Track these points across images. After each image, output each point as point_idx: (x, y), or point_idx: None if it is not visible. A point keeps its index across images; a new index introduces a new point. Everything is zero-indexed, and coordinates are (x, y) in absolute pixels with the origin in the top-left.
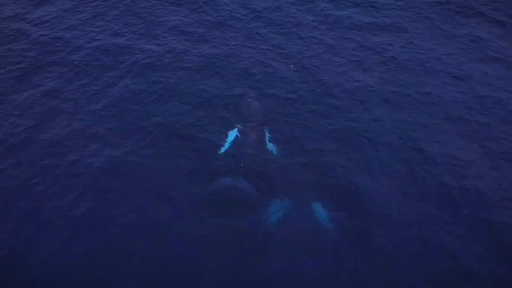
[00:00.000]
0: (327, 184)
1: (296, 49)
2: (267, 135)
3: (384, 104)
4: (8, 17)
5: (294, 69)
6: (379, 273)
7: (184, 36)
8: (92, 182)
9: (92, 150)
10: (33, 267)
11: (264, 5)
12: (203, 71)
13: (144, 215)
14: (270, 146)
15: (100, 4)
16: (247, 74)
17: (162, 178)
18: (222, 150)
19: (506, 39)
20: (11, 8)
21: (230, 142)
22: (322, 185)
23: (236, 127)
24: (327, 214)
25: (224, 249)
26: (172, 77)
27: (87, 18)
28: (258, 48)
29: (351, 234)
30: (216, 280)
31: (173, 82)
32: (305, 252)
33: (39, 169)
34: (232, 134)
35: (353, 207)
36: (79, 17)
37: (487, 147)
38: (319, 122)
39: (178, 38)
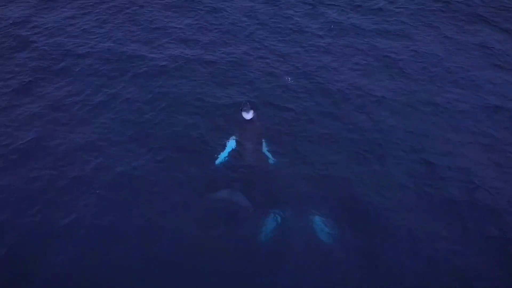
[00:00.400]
0: (329, 199)
1: (298, 58)
2: (265, 146)
3: (390, 115)
4: (6, 26)
5: (292, 81)
6: None
7: (185, 46)
8: (93, 198)
9: (93, 165)
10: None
11: (267, 14)
12: (204, 80)
13: (144, 230)
14: (268, 157)
15: (101, 13)
16: (248, 83)
17: (161, 193)
18: (219, 161)
19: None
20: (9, 16)
21: (227, 153)
22: (323, 200)
23: (233, 138)
24: (329, 231)
25: (220, 264)
26: (173, 88)
27: (88, 27)
28: (259, 57)
29: (354, 252)
30: None
31: (174, 93)
32: (304, 269)
33: (38, 185)
34: (229, 145)
35: (357, 223)
36: (79, 26)
37: (497, 160)
38: (321, 134)
39: (179, 48)
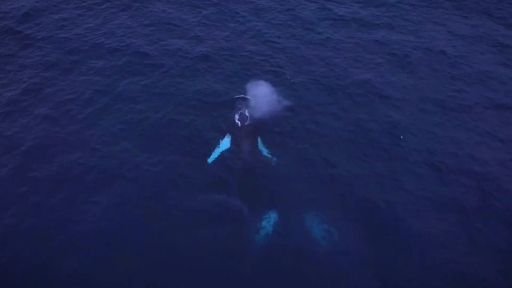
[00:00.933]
0: (331, 203)
1: (302, 57)
2: (262, 145)
3: (397, 115)
4: (7, 24)
5: (292, 80)
6: None
7: (187, 45)
8: (95, 207)
9: (92, 171)
10: None
11: (271, 11)
12: (204, 80)
13: (144, 235)
14: (268, 157)
15: (104, 11)
16: (248, 82)
17: (160, 198)
18: (211, 160)
19: None
20: (9, 12)
21: (220, 152)
22: (325, 204)
23: (228, 136)
24: (331, 238)
25: (212, 271)
26: (173, 88)
27: (90, 26)
28: (262, 55)
29: (356, 261)
30: None
31: (174, 94)
32: (302, 275)
33: (38, 192)
34: (223, 143)
35: (360, 229)
36: (79, 24)
37: (507, 163)
38: (323, 134)
39: (181, 46)
